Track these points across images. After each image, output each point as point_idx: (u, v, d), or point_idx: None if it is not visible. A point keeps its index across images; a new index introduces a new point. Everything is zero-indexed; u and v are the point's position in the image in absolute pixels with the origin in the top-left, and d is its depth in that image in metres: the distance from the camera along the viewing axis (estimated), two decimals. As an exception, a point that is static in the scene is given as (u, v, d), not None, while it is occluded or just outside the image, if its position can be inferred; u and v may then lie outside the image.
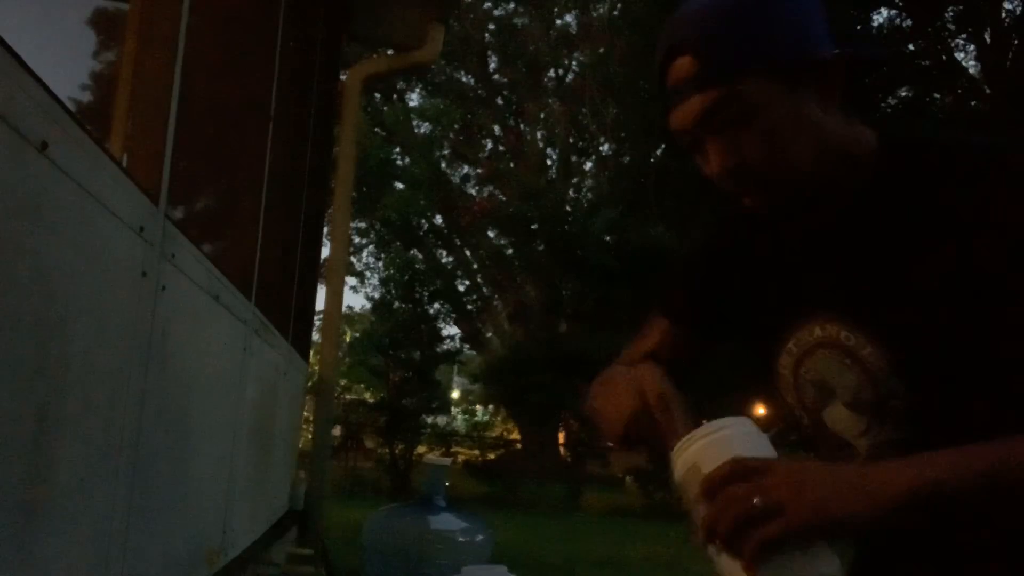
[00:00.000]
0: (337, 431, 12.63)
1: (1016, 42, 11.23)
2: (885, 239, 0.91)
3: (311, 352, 5.40)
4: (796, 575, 0.77)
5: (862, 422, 0.93)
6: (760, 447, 0.84)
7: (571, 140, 17.60)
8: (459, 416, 19.67)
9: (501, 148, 18.40)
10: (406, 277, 13.40)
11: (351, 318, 18.80)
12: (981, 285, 0.83)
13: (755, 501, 0.76)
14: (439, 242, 17.53)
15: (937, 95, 11.95)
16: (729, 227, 1.09)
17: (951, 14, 11.68)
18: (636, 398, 0.95)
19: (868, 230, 0.92)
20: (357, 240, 17.71)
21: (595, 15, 16.64)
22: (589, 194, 17.09)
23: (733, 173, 0.90)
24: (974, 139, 0.90)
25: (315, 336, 6.61)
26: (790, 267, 1.00)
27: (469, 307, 17.58)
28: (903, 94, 11.55)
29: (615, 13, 14.98)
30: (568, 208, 15.71)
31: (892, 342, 0.89)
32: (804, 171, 0.90)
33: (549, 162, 17.91)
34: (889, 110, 10.91)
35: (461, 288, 17.67)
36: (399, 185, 15.71)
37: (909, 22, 11.85)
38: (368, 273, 18.18)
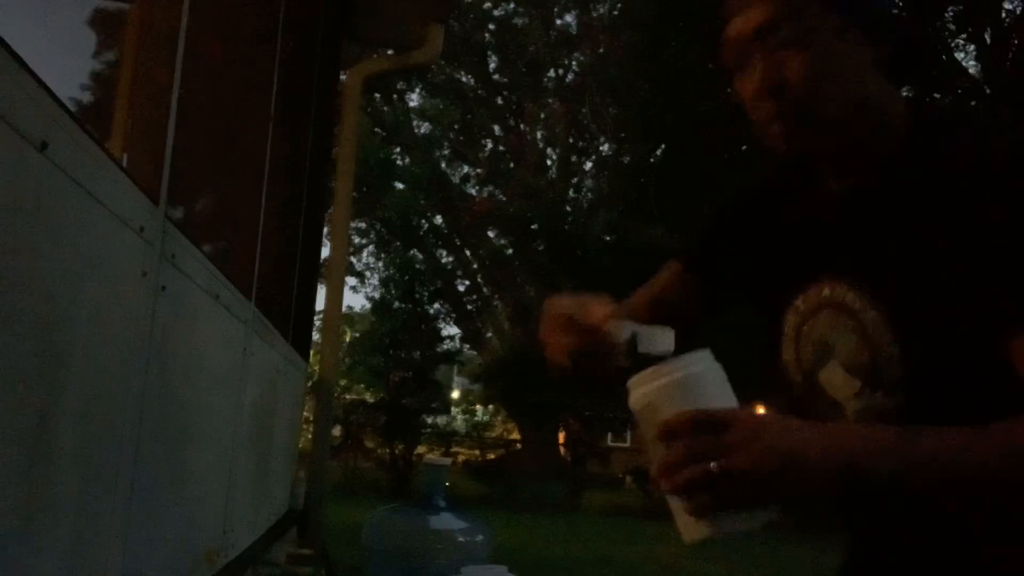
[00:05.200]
0: (337, 431, 12.61)
1: (1016, 42, 11.22)
2: (904, 209, 0.92)
3: (311, 352, 5.40)
4: (736, 528, 0.79)
5: (855, 385, 0.94)
6: (719, 388, 0.84)
7: (571, 140, 17.59)
8: (459, 416, 19.66)
9: (501, 148, 18.40)
10: (406, 277, 13.41)
11: (351, 318, 18.79)
12: (992, 266, 0.84)
13: (712, 466, 0.77)
14: (439, 242, 17.53)
15: (937, 95, 11.95)
16: (756, 185, 1.12)
17: (951, 14, 11.68)
18: (580, 327, 0.96)
19: (889, 198, 0.93)
20: (357, 240, 17.71)
21: (595, 15, 16.63)
22: (589, 194, 17.08)
23: (772, 92, 0.91)
24: (1005, 123, 0.93)
25: (315, 336, 6.61)
26: (807, 226, 1.02)
27: (469, 307, 17.58)
28: (903, 94, 11.53)
29: (615, 13, 14.97)
30: (568, 208, 15.70)
31: (896, 310, 0.90)
32: (838, 112, 0.92)
33: (549, 162, 17.90)
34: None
35: (461, 288, 17.67)
36: (399, 185, 15.71)
37: (909, 22, 11.84)
38: (368, 273, 18.19)
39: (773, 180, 1.10)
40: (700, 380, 0.83)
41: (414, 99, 17.87)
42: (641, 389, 0.85)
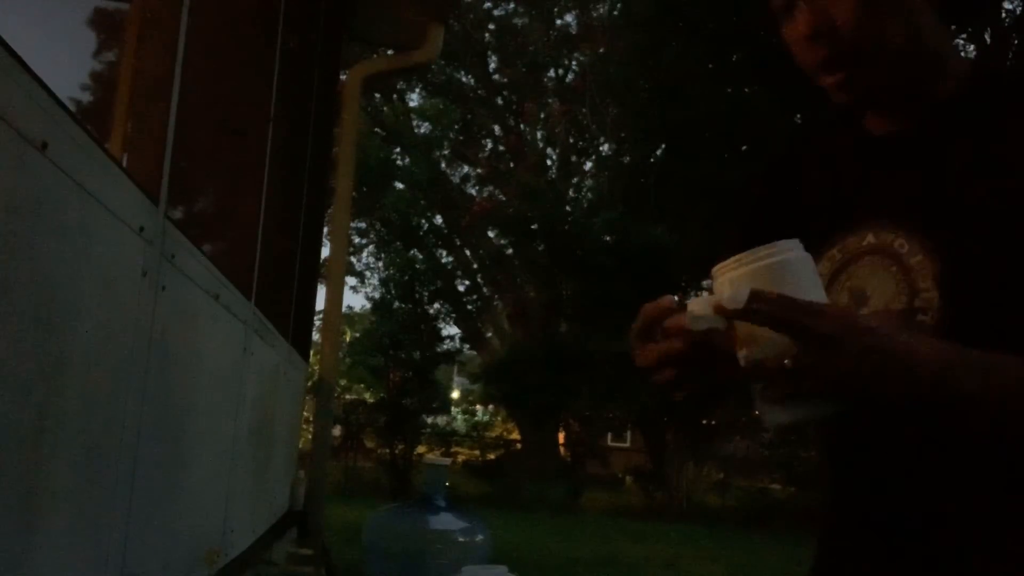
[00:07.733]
0: (337, 431, 12.61)
1: (1016, 42, 11.22)
2: (962, 156, 0.90)
3: (311, 352, 5.40)
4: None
5: None
6: (808, 279, 0.81)
7: (571, 140, 17.58)
8: (459, 416, 19.64)
9: (501, 148, 18.39)
10: (406, 277, 13.40)
11: (351, 318, 18.77)
12: None
13: (786, 362, 0.76)
14: (439, 242, 17.51)
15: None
16: (787, 146, 1.10)
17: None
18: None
19: (946, 144, 0.91)
20: (357, 240, 17.70)
21: (595, 15, 16.63)
22: (589, 194, 17.06)
23: (822, 36, 0.88)
24: None
25: (315, 336, 6.61)
26: (846, 174, 0.99)
27: (469, 307, 17.57)
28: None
29: (615, 13, 14.97)
30: (568, 208, 15.69)
31: (945, 254, 0.88)
32: (892, 54, 0.89)
33: (549, 162, 17.89)
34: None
35: (461, 288, 17.66)
36: (399, 185, 15.70)
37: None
38: (368, 273, 18.17)
39: (802, 136, 1.07)
40: (791, 267, 0.80)
41: (414, 99, 17.88)
42: (728, 274, 0.82)
